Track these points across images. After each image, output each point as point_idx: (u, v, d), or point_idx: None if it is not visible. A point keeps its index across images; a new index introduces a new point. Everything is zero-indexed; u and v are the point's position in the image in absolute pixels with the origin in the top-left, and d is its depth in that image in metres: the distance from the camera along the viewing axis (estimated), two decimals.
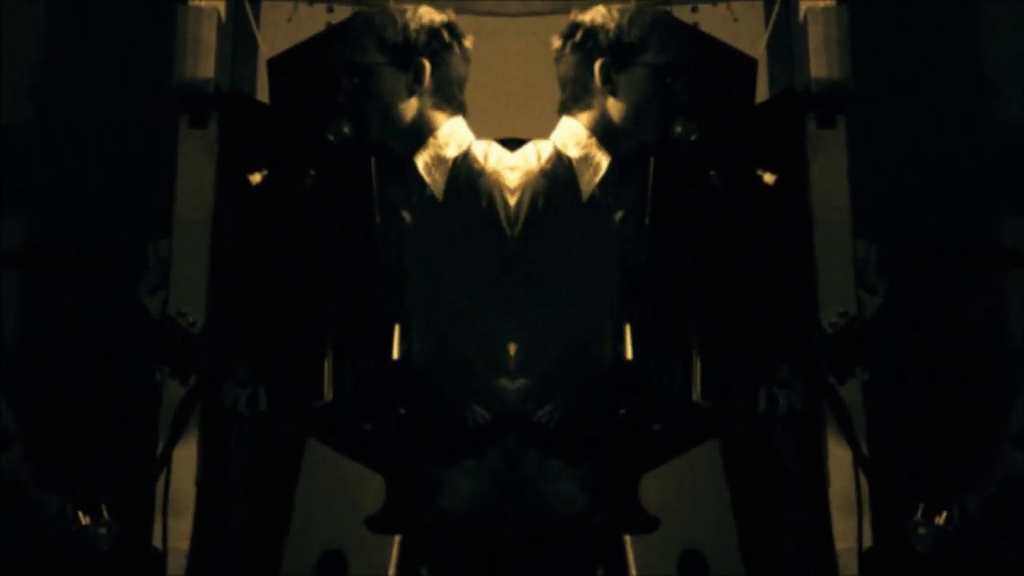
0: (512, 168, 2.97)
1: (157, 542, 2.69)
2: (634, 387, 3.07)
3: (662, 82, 3.06)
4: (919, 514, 2.98)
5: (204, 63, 3.37)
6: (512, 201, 2.83)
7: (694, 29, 3.14)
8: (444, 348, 2.68)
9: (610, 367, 3.01)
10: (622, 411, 2.99)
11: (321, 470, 2.95)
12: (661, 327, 3.17)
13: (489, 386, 2.64)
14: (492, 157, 2.75)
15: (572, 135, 3.09)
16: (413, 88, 2.71)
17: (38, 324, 3.68)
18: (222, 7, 3.34)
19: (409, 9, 2.74)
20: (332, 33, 2.91)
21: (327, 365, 3.03)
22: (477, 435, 2.58)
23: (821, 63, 3.38)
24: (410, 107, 2.71)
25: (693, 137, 2.61)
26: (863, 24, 3.41)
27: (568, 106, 3.03)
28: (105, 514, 2.61)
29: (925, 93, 4.28)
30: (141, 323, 2.91)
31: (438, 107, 2.76)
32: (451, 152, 2.74)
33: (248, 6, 3.34)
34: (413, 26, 2.75)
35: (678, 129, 2.64)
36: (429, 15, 2.81)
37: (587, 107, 3.11)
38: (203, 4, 3.09)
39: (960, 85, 4.33)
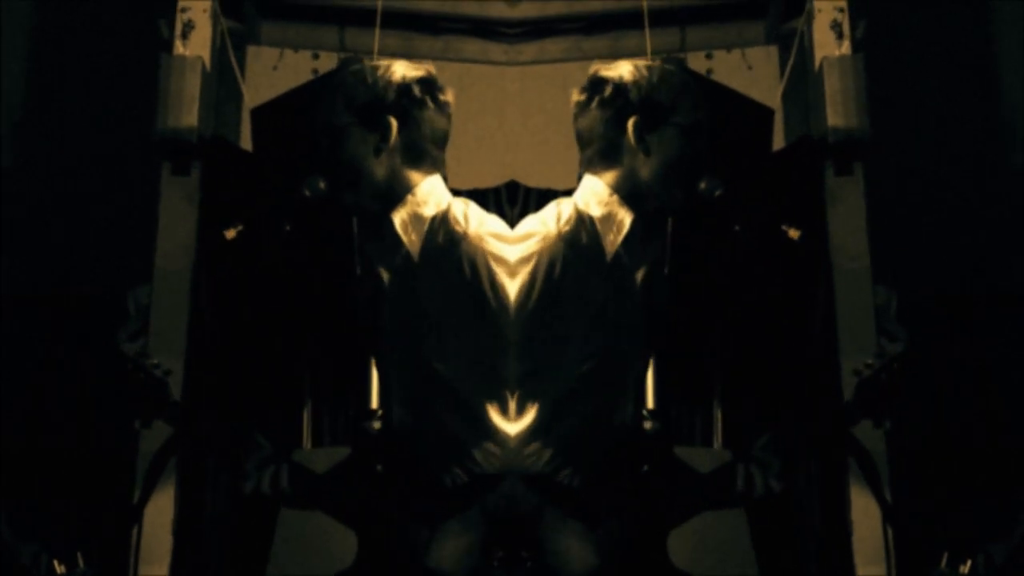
0: (517, 239, 3.06)
1: None
2: (656, 442, 3.18)
3: (690, 141, 3.09)
4: (944, 563, 3.06)
5: (187, 112, 3.48)
6: (517, 276, 2.74)
7: (713, 82, 3.11)
8: (422, 410, 2.66)
9: (631, 425, 3.03)
10: (644, 467, 3.11)
11: (296, 523, 2.96)
12: (684, 380, 3.32)
13: (471, 450, 2.61)
14: (474, 221, 2.74)
15: (594, 194, 3.10)
16: (380, 147, 2.67)
17: (16, 369, 3.70)
18: (207, 55, 3.22)
19: (382, 66, 2.73)
20: (311, 91, 2.93)
21: (306, 416, 3.02)
22: (455, 496, 2.57)
23: (838, 111, 3.51)
24: (380, 165, 2.72)
25: (718, 193, 2.60)
26: (879, 72, 3.61)
27: (593, 162, 3.11)
28: (80, 562, 2.62)
29: (942, 139, 4.47)
30: (120, 370, 2.88)
31: (412, 165, 2.85)
32: (429, 211, 2.73)
33: (232, 53, 3.35)
34: (382, 84, 2.77)
35: (703, 186, 2.68)
36: (402, 71, 2.91)
37: (614, 164, 3.10)
38: (187, 54, 3.07)
39: (976, 130, 4.51)
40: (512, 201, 3.72)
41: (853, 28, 3.54)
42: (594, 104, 3.02)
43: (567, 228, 2.96)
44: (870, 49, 3.54)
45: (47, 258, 4.29)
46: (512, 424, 2.86)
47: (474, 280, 2.89)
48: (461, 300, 2.90)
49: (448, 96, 3.02)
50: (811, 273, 3.38)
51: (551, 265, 2.92)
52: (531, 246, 2.95)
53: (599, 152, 3.03)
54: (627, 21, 3.92)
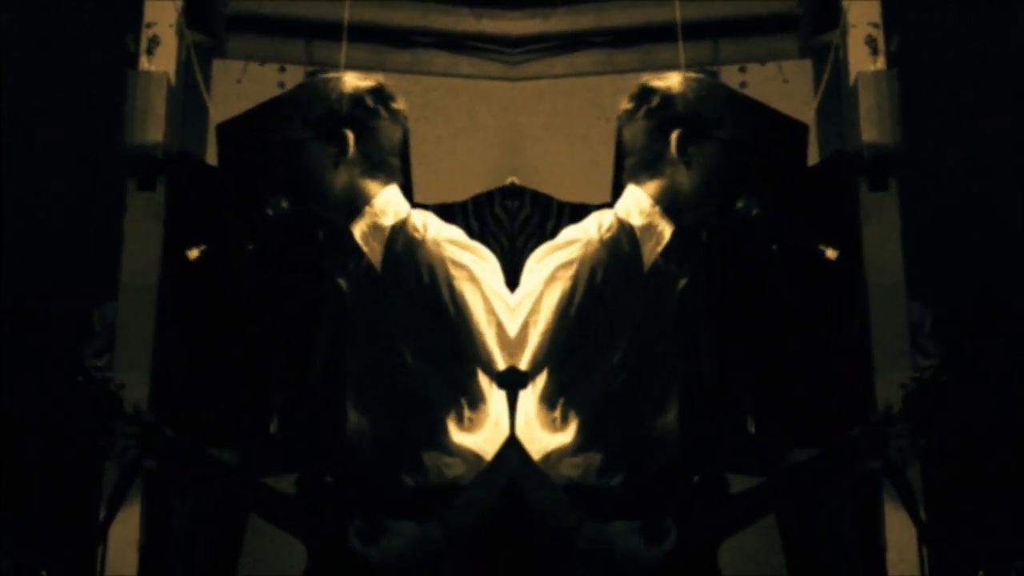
0: (558, 247, 3.17)
1: None
2: (706, 454, 3.20)
3: (731, 158, 3.23)
4: None
5: (153, 127, 3.77)
6: (557, 282, 2.91)
7: (748, 98, 3.22)
8: (379, 419, 2.72)
9: (674, 435, 3.09)
10: (696, 479, 3.19)
11: (264, 536, 3.03)
12: (721, 393, 3.31)
13: (425, 460, 2.69)
14: (432, 229, 2.81)
15: (636, 204, 3.23)
16: (338, 160, 2.75)
17: None
18: (172, 70, 3.27)
19: (332, 79, 2.81)
20: (269, 109, 2.98)
21: (272, 430, 3.10)
22: (410, 503, 2.64)
23: (872, 127, 3.63)
24: (339, 178, 2.86)
25: (755, 212, 2.66)
26: (913, 86, 3.72)
27: (636, 172, 3.34)
28: None
29: (977, 153, 4.56)
30: (86, 386, 2.96)
31: (370, 175, 3.08)
32: (388, 221, 2.82)
33: (198, 67, 3.41)
34: (334, 96, 2.88)
35: (740, 204, 2.79)
36: (353, 82, 3.14)
37: (656, 175, 3.23)
38: (153, 69, 3.14)
39: (1012, 144, 4.60)
40: (514, 204, 3.77)
41: (887, 43, 3.83)
42: (641, 113, 3.21)
43: (608, 235, 3.10)
44: (905, 63, 3.82)
45: (11, 273, 4.33)
46: (470, 435, 2.94)
47: (432, 287, 2.97)
48: (421, 309, 2.98)
49: (400, 104, 3.13)
50: (846, 289, 3.60)
51: (592, 272, 2.99)
52: (573, 252, 3.03)
53: (642, 161, 3.26)
54: (659, 34, 4.22)
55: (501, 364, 3.01)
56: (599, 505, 2.96)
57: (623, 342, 3.03)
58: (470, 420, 3.08)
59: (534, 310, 3.14)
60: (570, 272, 3.05)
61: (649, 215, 3.10)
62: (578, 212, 3.64)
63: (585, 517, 2.96)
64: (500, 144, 4.24)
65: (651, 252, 3.07)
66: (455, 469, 3.04)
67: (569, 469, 3.01)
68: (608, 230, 3.10)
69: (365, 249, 3.11)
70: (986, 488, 4.12)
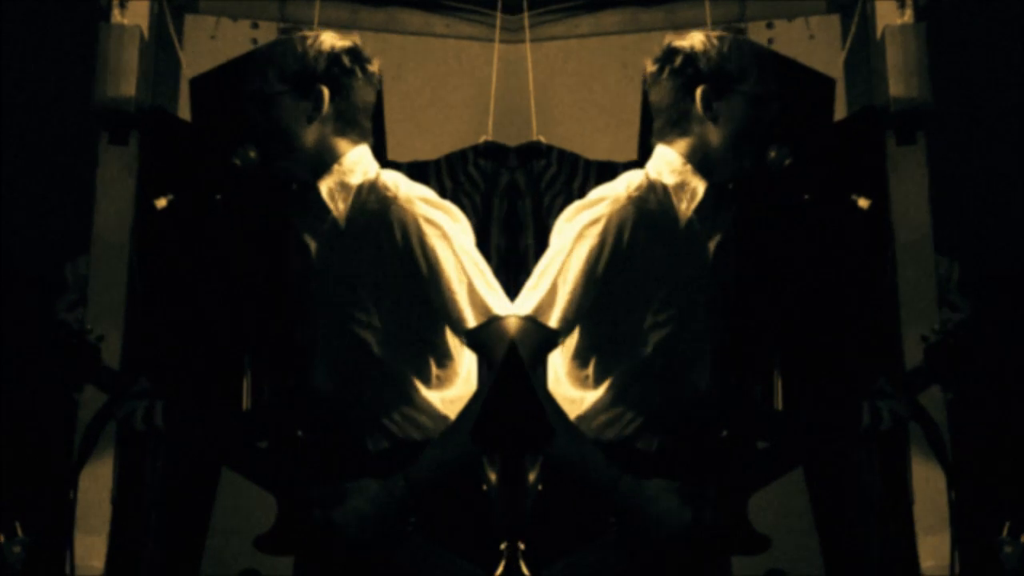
0: (586, 205, 3.16)
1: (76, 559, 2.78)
2: (734, 407, 3.26)
3: (759, 111, 3.25)
4: (1005, 532, 3.22)
5: (125, 81, 3.91)
6: (585, 240, 3.06)
7: (774, 53, 3.88)
8: (345, 373, 2.77)
9: (707, 390, 3.14)
10: (724, 432, 3.25)
11: (237, 489, 3.08)
12: (750, 347, 3.40)
13: (393, 415, 2.74)
14: (404, 187, 2.85)
15: (667, 163, 3.29)
16: (312, 115, 2.80)
17: None
18: (145, 24, 3.38)
19: (310, 36, 2.85)
20: (243, 61, 3.03)
21: (245, 384, 3.13)
22: (377, 461, 2.69)
23: (900, 81, 3.68)
24: (311, 134, 2.92)
25: (787, 162, 2.71)
26: (942, 40, 3.76)
27: (664, 132, 3.62)
28: (19, 531, 2.71)
29: (1005, 108, 4.58)
30: (58, 340, 3.01)
31: (341, 133, 3.16)
32: (355, 179, 2.87)
33: (171, 22, 3.44)
34: (312, 53, 3.09)
35: (772, 155, 2.81)
36: (330, 41, 3.24)
37: (684, 134, 3.29)
38: (125, 22, 3.18)
39: None
40: (537, 160, 3.81)
41: None
42: (665, 74, 3.33)
43: (637, 194, 3.15)
44: (933, 17, 3.83)
45: None
46: (437, 393, 2.99)
47: (405, 244, 3.01)
48: (390, 267, 3.02)
49: (375, 67, 3.18)
50: (874, 243, 3.65)
51: (620, 230, 3.03)
52: (600, 210, 3.07)
53: (669, 121, 3.37)
54: None
55: (471, 323, 3.05)
56: (633, 462, 2.96)
57: (655, 302, 3.05)
58: (438, 378, 3.15)
59: (563, 268, 3.09)
60: (598, 229, 3.07)
61: (681, 173, 3.14)
62: (604, 170, 3.72)
63: (621, 472, 2.93)
64: (474, 104, 4.29)
65: (686, 210, 3.10)
66: (422, 426, 3.10)
67: (602, 427, 3.02)
68: (637, 189, 3.13)
69: (331, 206, 3.16)
70: (1014, 441, 4.11)
